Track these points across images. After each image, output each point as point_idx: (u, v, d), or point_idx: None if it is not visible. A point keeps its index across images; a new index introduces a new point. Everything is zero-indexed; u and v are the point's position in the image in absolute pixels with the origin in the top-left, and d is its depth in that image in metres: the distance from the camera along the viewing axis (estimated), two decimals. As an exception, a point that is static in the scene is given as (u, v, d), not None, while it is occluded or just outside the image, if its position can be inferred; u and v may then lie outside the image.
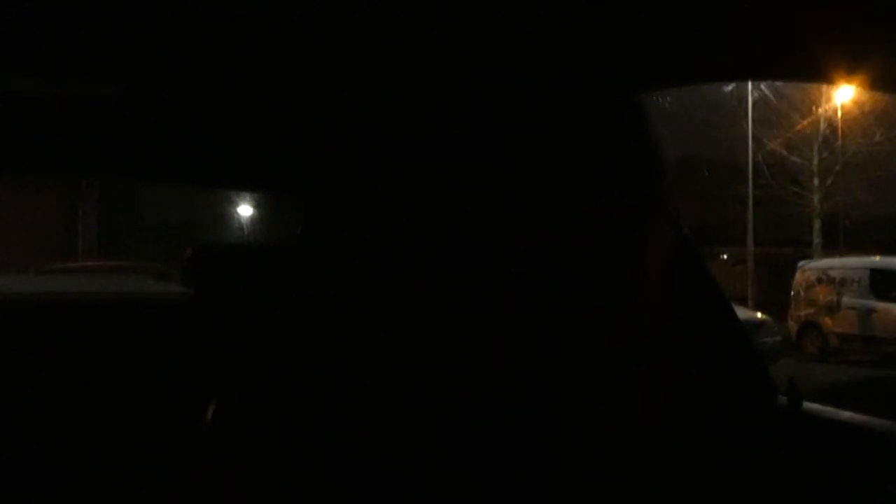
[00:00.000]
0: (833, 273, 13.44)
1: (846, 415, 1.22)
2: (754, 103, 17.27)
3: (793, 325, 13.31)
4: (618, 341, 0.80)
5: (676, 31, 0.91)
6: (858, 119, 16.94)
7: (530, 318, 0.68)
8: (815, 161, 17.45)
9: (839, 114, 17.11)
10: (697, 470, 0.84)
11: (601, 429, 0.76)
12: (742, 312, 11.99)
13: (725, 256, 18.94)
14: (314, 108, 1.01)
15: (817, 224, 17.73)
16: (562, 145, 0.73)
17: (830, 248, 17.34)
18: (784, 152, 17.55)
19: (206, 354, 1.10)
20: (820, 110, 17.32)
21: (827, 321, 13.04)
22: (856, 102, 16.34)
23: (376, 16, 0.83)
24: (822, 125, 17.41)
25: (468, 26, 0.79)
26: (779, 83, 15.63)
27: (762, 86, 16.61)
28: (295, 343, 0.78)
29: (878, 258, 13.54)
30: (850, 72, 0.98)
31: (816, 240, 17.73)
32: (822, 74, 1.16)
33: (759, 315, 11.67)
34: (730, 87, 15.58)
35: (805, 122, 17.37)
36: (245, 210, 18.32)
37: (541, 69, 0.76)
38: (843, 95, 15.83)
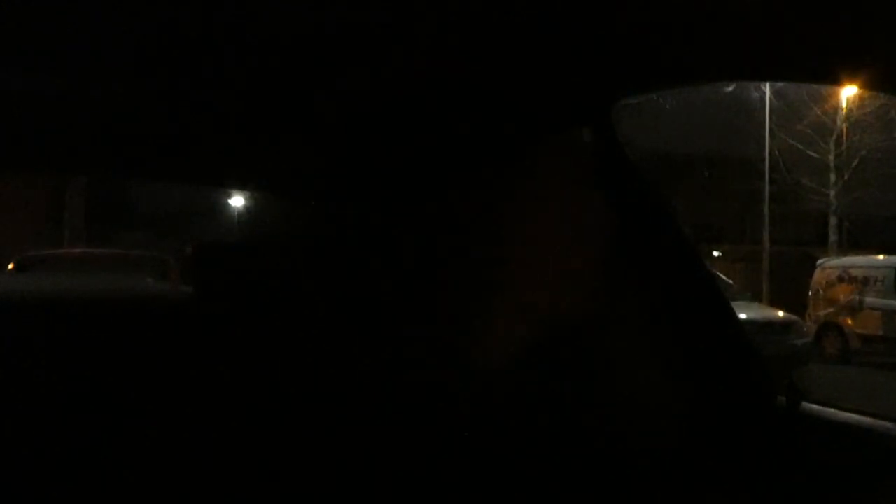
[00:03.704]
0: (855, 272, 13.38)
1: (846, 415, 1.26)
2: (759, 100, 17.27)
3: (811, 326, 13.25)
4: (613, 342, 0.84)
5: (676, 31, 0.94)
6: (878, 114, 16.88)
7: (524, 319, 0.72)
8: (832, 156, 17.39)
9: (843, 111, 17.06)
10: (696, 469, 0.87)
11: (598, 429, 0.80)
12: (769, 312, 11.91)
13: (717, 254, 18.90)
14: (313, 107, 1.05)
15: (833, 221, 17.68)
16: (562, 149, 0.77)
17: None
18: (800, 146, 17.51)
19: (206, 354, 1.13)
20: (835, 103, 17.27)
21: (848, 322, 12.99)
22: (873, 97, 16.26)
23: (370, 18, 0.87)
24: (840, 119, 17.34)
25: (468, 30, 0.83)
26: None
27: (762, 85, 16.58)
28: (295, 341, 0.82)
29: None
30: (851, 72, 1.01)
31: (833, 237, 17.68)
32: (823, 74, 1.19)
33: (785, 315, 11.55)
34: (731, 86, 15.53)
35: (819, 115, 17.32)
36: (237, 201, 18.33)
37: (540, 73, 0.80)
38: (851, 91, 15.76)
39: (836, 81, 1.06)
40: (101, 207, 15.59)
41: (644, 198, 1.06)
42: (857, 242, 17.36)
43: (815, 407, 1.27)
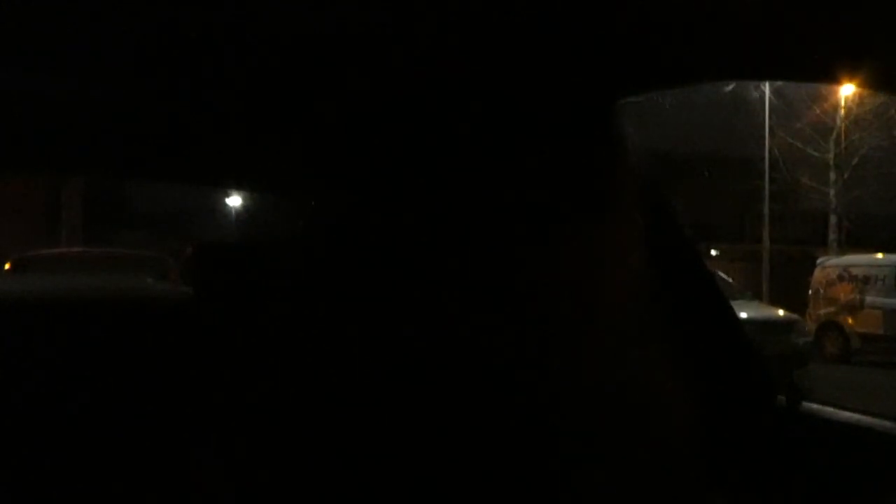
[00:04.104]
0: (855, 271, 13.41)
1: (846, 414, 1.27)
2: (758, 100, 17.34)
3: (811, 325, 13.26)
4: (611, 341, 0.84)
5: (676, 31, 0.95)
6: (878, 113, 16.91)
7: (523, 318, 0.73)
8: (832, 155, 17.41)
9: (843, 110, 17.11)
10: (695, 470, 0.87)
11: (595, 431, 0.81)
12: (769, 311, 11.93)
13: (715, 252, 18.96)
14: (313, 107, 1.06)
15: (833, 220, 17.72)
16: (559, 149, 0.77)
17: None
18: (799, 145, 17.57)
19: (206, 354, 1.14)
20: (835, 101, 17.31)
21: (849, 321, 13.02)
22: (872, 95, 16.26)
23: (370, 17, 0.87)
24: (839, 118, 17.37)
25: (468, 30, 0.83)
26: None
27: (762, 84, 16.64)
28: (296, 342, 0.82)
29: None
30: (851, 71, 1.02)
31: (833, 236, 17.71)
32: (823, 74, 1.19)
33: (786, 314, 11.55)
34: (731, 86, 15.57)
35: (818, 114, 17.38)
36: (237, 201, 18.41)
37: (540, 73, 0.80)
38: (850, 89, 15.78)
39: (836, 81, 1.06)
40: (99, 207, 15.61)
41: (645, 197, 1.07)
42: (857, 241, 17.43)
43: (815, 407, 1.28)
